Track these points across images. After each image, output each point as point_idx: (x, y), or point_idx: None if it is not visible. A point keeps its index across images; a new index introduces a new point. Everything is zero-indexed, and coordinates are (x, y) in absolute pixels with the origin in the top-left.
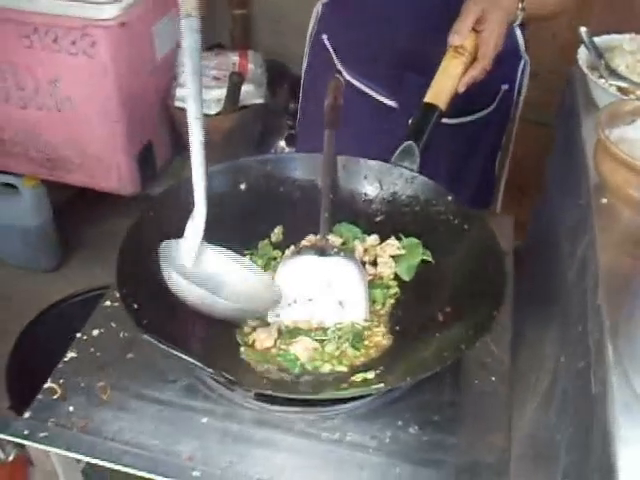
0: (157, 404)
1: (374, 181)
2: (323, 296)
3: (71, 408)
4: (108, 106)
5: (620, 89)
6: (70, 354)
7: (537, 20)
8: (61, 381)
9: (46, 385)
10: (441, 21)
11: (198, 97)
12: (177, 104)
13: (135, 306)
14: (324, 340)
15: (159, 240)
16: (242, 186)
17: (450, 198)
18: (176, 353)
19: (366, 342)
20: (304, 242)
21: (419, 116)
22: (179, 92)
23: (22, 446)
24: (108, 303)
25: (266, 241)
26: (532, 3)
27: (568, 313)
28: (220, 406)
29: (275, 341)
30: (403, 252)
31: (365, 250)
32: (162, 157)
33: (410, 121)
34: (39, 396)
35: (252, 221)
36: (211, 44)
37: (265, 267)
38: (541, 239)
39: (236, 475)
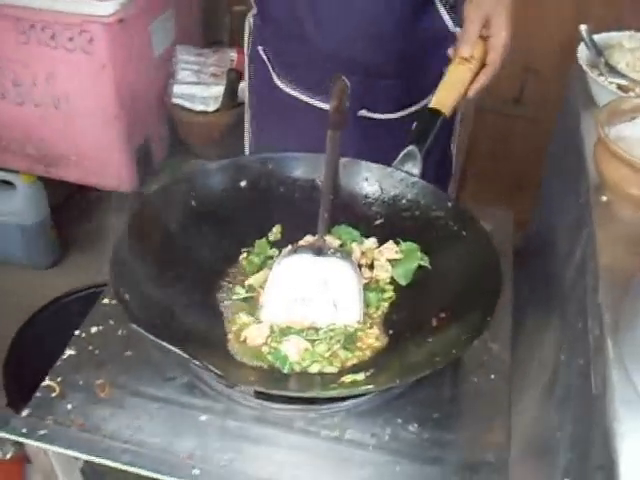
0: (156, 402)
1: (375, 184)
2: (317, 296)
3: (70, 406)
4: (105, 103)
5: (620, 87)
6: (68, 352)
7: None
8: (59, 379)
9: (44, 383)
10: (369, 23)
11: None
12: (174, 101)
13: (127, 297)
14: (315, 340)
15: (155, 233)
16: (242, 183)
17: (450, 204)
18: (162, 343)
19: (358, 344)
20: (302, 242)
21: (423, 121)
22: (176, 89)
23: (20, 444)
24: (106, 301)
25: (264, 240)
26: None
27: (568, 310)
28: (219, 403)
29: (266, 338)
30: (400, 256)
31: (363, 253)
32: (160, 154)
33: (413, 126)
34: (37, 394)
35: (251, 219)
36: (210, 41)
37: (261, 265)
38: (540, 236)
39: (235, 473)
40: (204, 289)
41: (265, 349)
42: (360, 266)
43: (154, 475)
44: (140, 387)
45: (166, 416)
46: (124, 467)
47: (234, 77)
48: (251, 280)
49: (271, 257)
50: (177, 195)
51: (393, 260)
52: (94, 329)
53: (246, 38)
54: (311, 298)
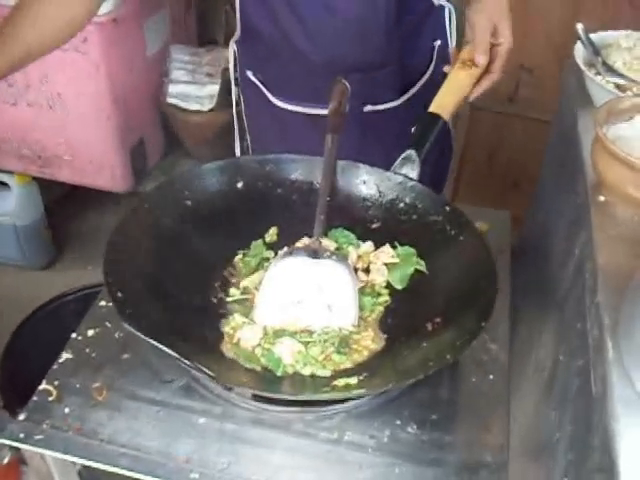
0: (153, 405)
1: (373, 187)
2: (312, 298)
3: (67, 410)
4: (99, 103)
5: (617, 86)
6: (65, 355)
7: None
8: (56, 382)
9: (41, 387)
10: (357, 24)
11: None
12: (169, 100)
13: (119, 295)
14: (309, 342)
15: (150, 233)
16: (239, 184)
17: (448, 208)
18: (154, 343)
19: (352, 347)
20: (298, 244)
21: (422, 125)
22: (171, 88)
23: (17, 448)
24: (103, 303)
25: (260, 241)
26: None
27: (566, 310)
28: (217, 406)
29: (260, 340)
30: (397, 260)
31: (359, 256)
32: (154, 154)
33: (412, 129)
34: (34, 398)
35: (247, 220)
36: (204, 40)
37: (257, 267)
38: (536, 235)
39: (234, 476)
40: (199, 290)
41: (259, 351)
42: (356, 270)
43: (152, 479)
44: (137, 390)
45: (164, 419)
46: (122, 471)
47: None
48: (246, 281)
49: (267, 259)
50: (173, 195)
51: (389, 264)
52: (91, 332)
53: (231, 66)
54: (306, 300)
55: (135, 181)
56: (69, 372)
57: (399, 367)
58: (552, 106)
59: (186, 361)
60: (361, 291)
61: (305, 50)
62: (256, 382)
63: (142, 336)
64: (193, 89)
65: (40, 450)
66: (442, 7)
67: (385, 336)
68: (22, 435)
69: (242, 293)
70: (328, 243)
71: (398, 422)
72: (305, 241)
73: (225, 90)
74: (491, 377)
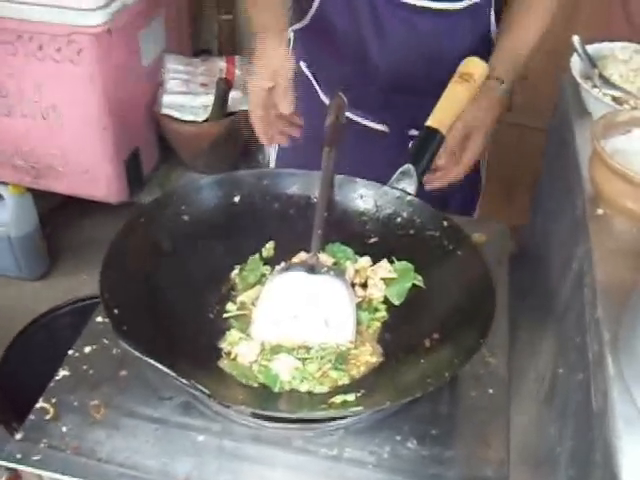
0: (152, 422)
1: (370, 202)
2: (309, 314)
3: (64, 428)
4: (94, 113)
5: (614, 98)
6: (62, 372)
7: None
8: (53, 400)
9: (38, 405)
10: (433, 45)
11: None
12: (164, 111)
13: (116, 311)
14: (306, 359)
15: (146, 248)
16: (236, 199)
17: (446, 223)
18: (150, 361)
19: (350, 364)
20: (295, 259)
21: (420, 140)
22: (166, 99)
23: (14, 469)
24: (99, 319)
25: (256, 256)
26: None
27: (565, 324)
28: (216, 423)
29: (257, 356)
30: (394, 275)
31: (356, 272)
32: (149, 164)
33: (410, 144)
34: (31, 416)
35: (244, 235)
36: (197, 49)
37: (254, 282)
38: (534, 247)
39: None
40: (196, 305)
41: (255, 367)
42: (353, 285)
43: None
44: (136, 408)
45: (162, 437)
46: None
47: (224, 87)
48: (243, 297)
49: (264, 274)
50: (169, 210)
51: (387, 279)
52: (88, 348)
53: None
54: (303, 316)
55: (130, 191)
56: (66, 390)
57: (397, 384)
58: (547, 114)
59: (182, 380)
60: (358, 306)
61: (375, 57)
62: (253, 399)
63: (138, 354)
64: (187, 99)
65: (38, 471)
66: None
67: (383, 352)
68: (19, 456)
69: (239, 308)
70: (325, 258)
71: (398, 438)
72: (302, 256)
73: (220, 101)
74: (490, 391)
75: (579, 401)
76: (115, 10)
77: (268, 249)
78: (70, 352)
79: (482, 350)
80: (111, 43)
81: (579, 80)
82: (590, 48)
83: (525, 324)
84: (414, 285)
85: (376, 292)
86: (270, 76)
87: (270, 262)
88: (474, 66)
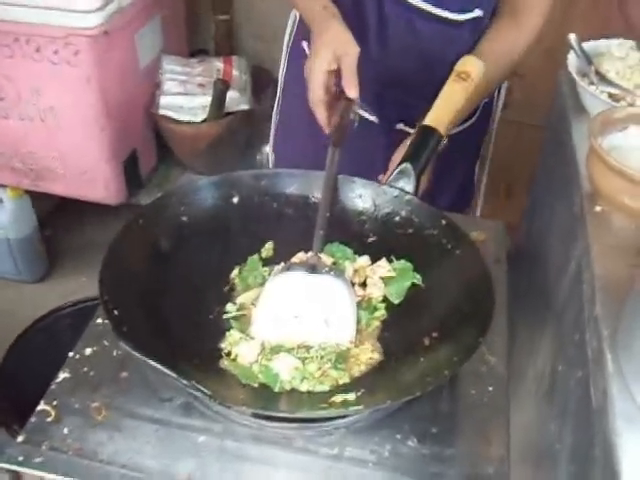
0: (153, 423)
1: (368, 201)
2: (310, 313)
3: (66, 430)
4: (92, 115)
5: (611, 95)
6: (63, 374)
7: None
8: (55, 402)
9: (39, 407)
10: (434, 50)
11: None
12: (161, 112)
13: (115, 313)
14: (306, 358)
15: (145, 249)
16: (234, 199)
17: (444, 222)
18: (150, 362)
19: (350, 362)
20: (295, 259)
21: (418, 138)
22: (163, 100)
23: (16, 471)
24: (100, 321)
25: (256, 256)
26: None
27: (564, 321)
28: (217, 424)
29: (257, 356)
30: (393, 274)
31: (355, 271)
32: (147, 165)
33: (409, 142)
34: (33, 419)
35: (243, 235)
36: (193, 50)
37: (253, 283)
38: (533, 244)
39: None
40: (195, 306)
41: (256, 367)
42: (353, 284)
43: None
44: (137, 409)
45: (163, 438)
46: None
47: (222, 87)
48: (243, 297)
49: (263, 274)
50: (167, 211)
51: (386, 278)
52: (88, 350)
53: (288, 31)
54: (304, 316)
55: (128, 193)
56: (67, 392)
57: (397, 383)
58: (544, 111)
59: (183, 380)
60: (358, 305)
61: (374, 52)
62: (253, 400)
63: (138, 355)
64: (185, 100)
65: (40, 473)
66: None
67: (382, 350)
68: (21, 458)
69: (238, 309)
70: (326, 258)
71: (398, 436)
72: (301, 256)
73: (217, 101)
74: (490, 389)
75: (578, 398)
76: (112, 12)
77: (267, 249)
78: (71, 354)
79: (481, 348)
80: (108, 45)
81: (576, 77)
82: (586, 45)
83: (524, 321)
84: (413, 284)
85: (375, 291)
86: (334, 59)
87: (269, 262)
88: (471, 65)
